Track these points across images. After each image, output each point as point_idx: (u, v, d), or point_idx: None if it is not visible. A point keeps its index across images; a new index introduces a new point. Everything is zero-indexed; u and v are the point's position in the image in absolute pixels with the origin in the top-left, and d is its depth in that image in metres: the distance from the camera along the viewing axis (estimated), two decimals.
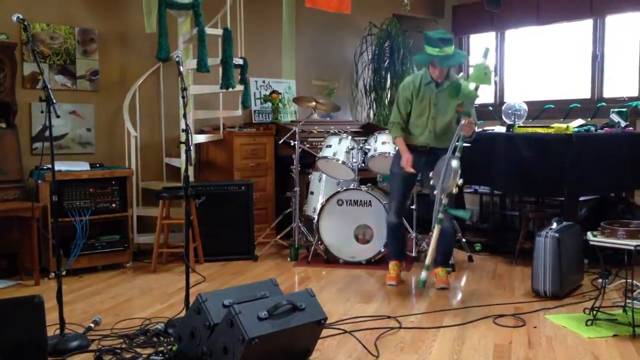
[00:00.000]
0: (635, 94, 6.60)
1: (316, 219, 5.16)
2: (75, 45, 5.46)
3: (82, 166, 4.99)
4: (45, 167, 4.60)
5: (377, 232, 5.01)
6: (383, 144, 5.09)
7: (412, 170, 4.33)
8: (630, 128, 5.27)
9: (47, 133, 3.21)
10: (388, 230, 4.60)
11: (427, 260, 4.10)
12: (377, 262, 5.04)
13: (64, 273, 4.45)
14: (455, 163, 4.02)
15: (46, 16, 5.30)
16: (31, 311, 2.82)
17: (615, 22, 6.90)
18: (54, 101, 3.12)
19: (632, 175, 5.09)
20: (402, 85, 4.47)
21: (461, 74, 6.94)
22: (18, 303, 2.86)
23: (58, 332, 3.25)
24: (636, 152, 5.10)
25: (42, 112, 3.18)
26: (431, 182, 4.17)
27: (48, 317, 2.99)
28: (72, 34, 5.43)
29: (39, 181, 4.78)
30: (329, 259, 5.14)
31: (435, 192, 4.14)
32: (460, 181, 4.05)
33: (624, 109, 5.47)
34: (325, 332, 3.20)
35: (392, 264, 4.56)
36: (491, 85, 4.31)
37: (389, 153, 4.97)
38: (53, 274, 4.64)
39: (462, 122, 4.04)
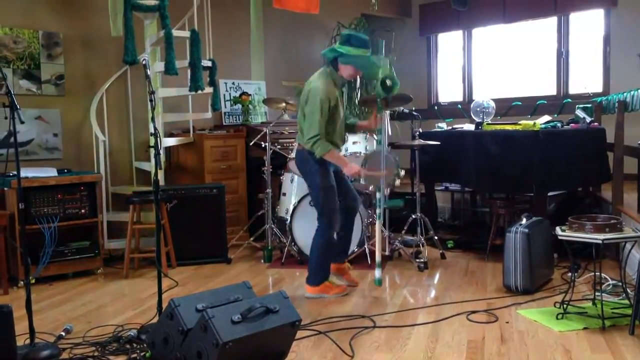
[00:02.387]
0: (600, 90, 6.73)
1: (289, 220, 5.15)
2: (39, 49, 5.36)
3: (49, 172, 4.91)
4: (11, 174, 4.51)
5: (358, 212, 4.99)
6: (354, 144, 5.13)
7: (372, 173, 4.24)
8: (596, 124, 5.36)
9: (12, 139, 3.15)
10: (330, 247, 4.17)
11: (378, 258, 4.21)
12: (350, 262, 5.05)
13: (33, 281, 4.39)
14: (393, 157, 4.16)
15: (9, 20, 5.20)
16: None
17: (578, 20, 7.03)
18: (18, 107, 3.07)
19: (598, 170, 5.19)
20: (325, 94, 3.96)
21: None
22: None
23: (28, 341, 3.19)
24: (602, 147, 5.20)
25: (6, 118, 3.11)
26: (362, 181, 4.24)
27: (18, 327, 2.95)
28: (36, 37, 5.34)
29: (5, 188, 4.69)
30: (303, 260, 5.13)
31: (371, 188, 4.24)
32: (402, 172, 4.17)
33: (589, 105, 5.58)
34: (300, 333, 3.20)
35: (327, 282, 4.27)
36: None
37: (360, 153, 5.00)
38: (22, 282, 4.55)
39: (380, 116, 4.22)
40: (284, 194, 5.52)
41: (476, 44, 7.96)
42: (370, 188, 4.30)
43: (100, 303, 4.25)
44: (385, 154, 4.25)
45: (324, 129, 4.00)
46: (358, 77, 6.60)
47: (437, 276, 4.79)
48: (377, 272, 4.20)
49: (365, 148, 4.98)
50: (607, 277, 4.19)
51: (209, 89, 5.70)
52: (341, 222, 4.26)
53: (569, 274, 4.33)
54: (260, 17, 6.78)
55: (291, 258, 5.24)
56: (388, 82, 4.13)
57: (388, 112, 4.27)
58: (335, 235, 4.17)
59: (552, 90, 7.20)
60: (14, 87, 5.15)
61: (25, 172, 4.62)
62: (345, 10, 7.44)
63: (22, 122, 3.10)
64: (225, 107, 6.55)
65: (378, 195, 4.30)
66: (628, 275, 4.25)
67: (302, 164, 4.20)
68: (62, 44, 5.50)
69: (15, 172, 3.24)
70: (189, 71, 5.48)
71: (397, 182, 4.30)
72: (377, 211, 4.28)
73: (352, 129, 4.46)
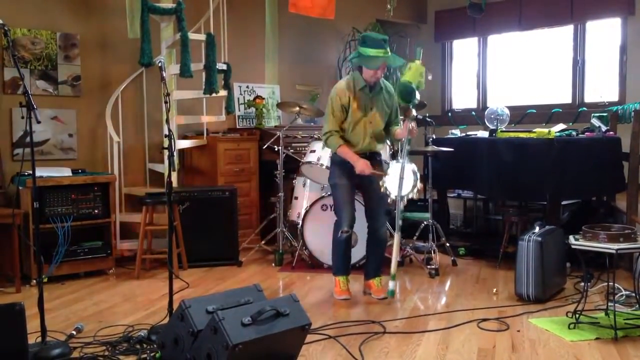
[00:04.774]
0: (616, 99, 6.68)
1: (300, 224, 5.15)
2: (56, 51, 5.41)
3: (63, 172, 4.94)
4: (26, 173, 4.54)
5: (361, 237, 4.99)
6: None
7: (376, 172, 4.22)
8: (611, 133, 5.33)
9: (28, 139, 3.18)
10: (340, 243, 4.27)
11: (392, 270, 4.16)
12: (361, 267, 5.02)
13: (45, 280, 4.42)
14: (413, 168, 4.12)
15: (27, 21, 5.26)
16: (12, 319, 2.79)
17: (595, 28, 6.98)
18: (35, 107, 3.09)
19: (613, 179, 5.14)
20: (337, 92, 4.16)
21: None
22: None
23: (40, 339, 3.21)
24: (617, 157, 5.16)
25: (22, 117, 3.14)
26: (386, 190, 4.18)
27: (29, 325, 2.96)
28: (53, 39, 5.39)
29: (20, 187, 4.74)
30: (314, 264, 5.13)
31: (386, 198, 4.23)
32: (419, 185, 4.14)
33: (605, 114, 5.55)
34: (309, 337, 3.20)
35: (342, 278, 4.35)
36: (424, 87, 4.33)
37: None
38: (34, 281, 4.59)
39: (411, 125, 4.13)
40: (296, 198, 5.53)
41: (491, 51, 7.93)
42: (391, 196, 4.23)
43: (112, 303, 4.27)
44: (407, 165, 4.19)
45: (335, 126, 4.14)
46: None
47: (448, 283, 4.78)
48: (391, 284, 4.16)
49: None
50: (620, 287, 4.16)
51: (223, 92, 5.73)
52: (368, 237, 4.42)
53: (582, 284, 4.31)
54: (275, 22, 6.79)
55: (302, 262, 5.24)
56: (413, 90, 4.12)
57: (414, 121, 4.20)
58: (341, 234, 4.19)
59: (567, 99, 7.14)
60: (31, 87, 5.20)
61: (40, 172, 4.66)
62: (360, 15, 7.44)
63: (39, 122, 3.12)
64: (239, 110, 6.57)
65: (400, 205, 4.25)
66: None
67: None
68: (79, 46, 5.54)
69: (30, 172, 3.27)
70: (203, 74, 5.51)
71: (415, 194, 4.27)
72: (397, 223, 4.22)
73: (393, 137, 4.44)
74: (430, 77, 4.27)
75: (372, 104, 4.20)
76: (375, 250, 4.44)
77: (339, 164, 4.23)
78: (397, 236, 4.19)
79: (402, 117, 4.36)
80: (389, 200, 4.23)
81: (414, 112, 4.21)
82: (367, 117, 4.19)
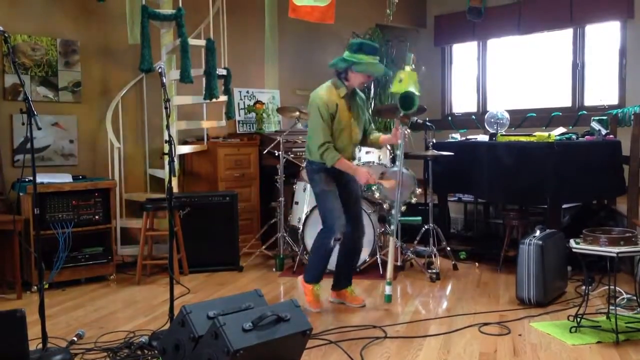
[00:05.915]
0: (615, 102, 6.69)
1: (301, 228, 5.15)
2: (57, 57, 5.42)
3: (64, 178, 4.95)
4: (27, 180, 4.56)
5: (362, 242, 4.99)
6: (367, 153, 5.13)
7: (381, 181, 4.20)
8: (611, 136, 5.33)
9: (28, 145, 3.18)
10: (328, 251, 4.09)
11: (389, 275, 4.14)
12: (362, 272, 5.04)
13: (46, 286, 4.42)
14: (411, 173, 4.10)
15: (27, 27, 5.27)
16: (13, 325, 2.79)
17: (594, 32, 6.99)
18: (35, 113, 3.10)
19: (613, 182, 5.15)
20: (324, 100, 3.95)
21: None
22: None
23: (41, 346, 3.21)
24: (617, 160, 5.17)
25: (23, 124, 3.14)
26: (379, 194, 4.15)
27: (30, 331, 2.96)
28: (53, 45, 5.40)
29: (21, 193, 4.74)
30: None
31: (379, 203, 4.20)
32: (418, 190, 4.13)
33: (605, 117, 5.55)
34: (310, 342, 3.19)
35: (316, 287, 4.20)
36: (420, 94, 4.28)
37: (374, 162, 5.00)
38: (35, 287, 4.59)
39: (407, 132, 4.12)
40: (297, 203, 5.53)
41: (491, 55, 7.94)
42: (385, 206, 4.23)
43: (112, 309, 4.27)
44: (403, 170, 4.20)
45: (329, 137, 3.96)
46: (372, 87, 6.61)
47: (449, 287, 4.77)
48: (388, 289, 4.17)
49: (379, 157, 4.97)
50: (621, 290, 4.15)
51: (223, 97, 5.74)
52: (345, 245, 4.21)
53: (583, 287, 4.30)
54: (275, 27, 6.81)
55: (303, 267, 5.21)
56: (414, 100, 4.08)
57: (408, 127, 4.19)
58: (332, 242, 4.03)
59: (567, 102, 7.15)
60: (32, 93, 5.21)
61: (41, 178, 4.67)
62: (360, 20, 7.46)
63: (39, 129, 3.13)
64: (239, 115, 6.58)
65: (393, 211, 4.26)
66: None
67: (308, 174, 4.22)
68: (79, 52, 5.56)
69: (31, 178, 3.27)
70: (204, 79, 5.52)
71: (413, 199, 4.26)
72: (392, 227, 4.22)
73: (376, 143, 4.32)
74: (421, 78, 4.23)
75: (353, 111, 4.10)
76: (352, 258, 4.34)
77: (323, 171, 4.04)
78: (392, 241, 4.19)
79: (400, 124, 4.32)
80: (385, 207, 4.24)
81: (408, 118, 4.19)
82: (350, 125, 4.07)
